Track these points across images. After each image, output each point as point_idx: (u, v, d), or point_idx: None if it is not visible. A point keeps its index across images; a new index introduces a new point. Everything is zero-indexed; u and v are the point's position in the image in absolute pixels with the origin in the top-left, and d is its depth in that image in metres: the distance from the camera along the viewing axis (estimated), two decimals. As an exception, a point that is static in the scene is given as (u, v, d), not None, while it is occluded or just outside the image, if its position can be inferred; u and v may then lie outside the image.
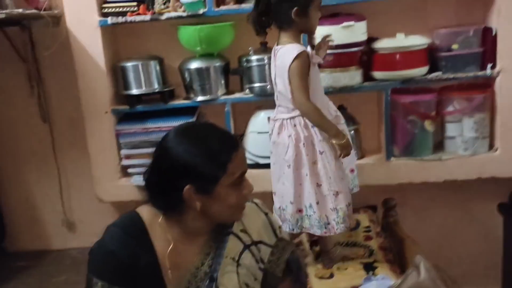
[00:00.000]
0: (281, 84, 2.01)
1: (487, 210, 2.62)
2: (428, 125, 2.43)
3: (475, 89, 2.43)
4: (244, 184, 1.36)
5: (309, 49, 2.01)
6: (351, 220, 2.08)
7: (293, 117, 2.03)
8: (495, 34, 2.32)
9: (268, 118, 2.18)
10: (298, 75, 1.93)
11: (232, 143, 1.33)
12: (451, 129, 2.48)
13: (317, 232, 2.06)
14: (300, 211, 2.07)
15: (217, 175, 1.29)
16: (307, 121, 2.00)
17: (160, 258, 1.36)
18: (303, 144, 2.00)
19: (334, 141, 1.97)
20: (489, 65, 2.34)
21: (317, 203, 2.02)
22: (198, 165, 1.29)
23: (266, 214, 1.50)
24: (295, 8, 1.93)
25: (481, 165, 2.43)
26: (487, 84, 2.44)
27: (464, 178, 2.46)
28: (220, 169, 1.29)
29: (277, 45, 2.04)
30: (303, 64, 1.93)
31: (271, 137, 2.12)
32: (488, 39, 2.35)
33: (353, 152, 2.10)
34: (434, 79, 2.38)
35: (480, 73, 2.37)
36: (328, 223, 2.04)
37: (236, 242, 1.41)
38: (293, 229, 2.09)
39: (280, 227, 1.52)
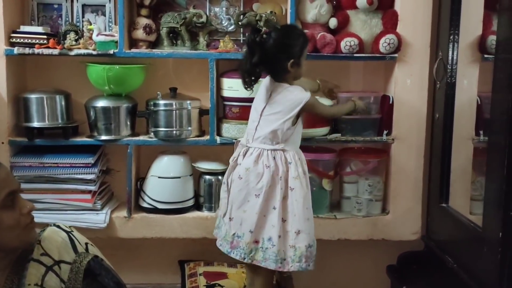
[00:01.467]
0: (279, 117, 2.07)
1: (377, 272, 2.68)
2: (326, 184, 2.50)
3: (372, 153, 2.54)
4: (21, 204, 1.30)
5: None
6: (309, 261, 2.07)
7: (274, 150, 2.08)
8: (392, 103, 2.46)
9: (236, 141, 2.25)
10: (316, 103, 2.19)
11: None
12: (347, 190, 2.56)
13: (271, 266, 2.06)
14: (256, 242, 2.07)
15: None
16: (286, 155, 2.08)
17: None
18: (280, 177, 2.05)
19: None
20: (385, 132, 2.47)
21: (279, 237, 2.04)
22: None
23: (68, 232, 1.44)
24: (291, 61, 2.06)
25: (373, 226, 2.52)
26: (383, 150, 2.56)
27: (356, 238, 2.53)
28: None
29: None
30: (314, 97, 2.18)
31: (240, 163, 2.12)
32: (386, 106, 2.48)
33: None
34: (333, 140, 2.47)
35: (377, 138, 2.48)
36: (284, 259, 2.05)
37: (37, 267, 1.34)
38: (244, 258, 2.08)
39: (87, 243, 1.46)
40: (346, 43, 2.35)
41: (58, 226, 1.45)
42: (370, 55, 2.42)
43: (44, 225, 1.45)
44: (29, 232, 1.34)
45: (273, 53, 2.06)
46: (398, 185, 2.50)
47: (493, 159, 1.83)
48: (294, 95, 2.08)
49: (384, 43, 2.36)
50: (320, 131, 2.47)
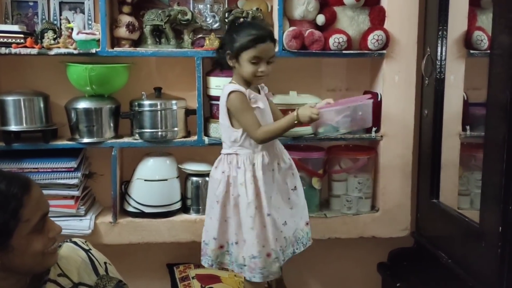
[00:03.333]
0: (221, 119, 2.05)
1: (367, 269, 2.67)
2: (315, 183, 2.47)
3: (360, 151, 2.53)
4: (49, 227, 1.22)
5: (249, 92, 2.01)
6: (254, 272, 2.00)
7: (229, 154, 2.03)
8: (380, 100, 2.45)
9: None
10: (239, 111, 1.97)
11: (22, 185, 1.17)
12: (336, 188, 2.54)
13: (235, 269, 2.04)
14: (221, 247, 2.05)
15: (9, 226, 1.13)
16: (238, 160, 2.01)
17: None
18: (231, 183, 2.00)
19: (302, 122, 1.98)
20: (374, 129, 2.45)
21: (236, 243, 2.02)
22: None
23: (87, 251, 1.39)
24: (228, 52, 2.00)
25: (363, 224, 2.51)
26: (371, 147, 2.55)
27: (346, 237, 2.51)
28: (11, 218, 1.13)
29: None
30: (240, 99, 1.97)
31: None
32: (374, 103, 2.46)
33: (305, 204, 2.14)
34: (322, 138, 2.44)
35: (366, 135, 2.47)
36: (244, 265, 2.02)
37: None
38: (212, 265, 2.06)
39: (106, 263, 1.41)
40: (335, 40, 2.33)
41: (75, 243, 1.38)
42: (358, 51, 2.40)
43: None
44: (52, 257, 1.26)
45: (220, 42, 2.10)
46: (387, 182, 2.50)
47: (490, 153, 1.84)
48: (223, 94, 2.01)
49: (373, 40, 2.34)
50: (309, 129, 2.42)
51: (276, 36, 2.36)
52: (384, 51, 2.40)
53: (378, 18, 2.40)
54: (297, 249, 2.11)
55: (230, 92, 1.97)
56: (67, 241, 1.35)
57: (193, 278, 2.41)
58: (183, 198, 2.50)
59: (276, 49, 2.31)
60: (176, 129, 2.39)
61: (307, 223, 2.15)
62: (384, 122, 2.46)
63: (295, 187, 2.11)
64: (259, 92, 2.08)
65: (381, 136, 2.47)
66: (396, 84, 2.44)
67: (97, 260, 1.39)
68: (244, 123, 1.98)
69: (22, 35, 2.29)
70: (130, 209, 2.42)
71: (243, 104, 1.97)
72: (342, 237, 2.51)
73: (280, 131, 2.00)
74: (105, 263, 1.41)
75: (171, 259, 2.61)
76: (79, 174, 2.33)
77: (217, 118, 2.37)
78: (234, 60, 2.01)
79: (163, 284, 2.54)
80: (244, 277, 2.06)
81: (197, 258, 2.43)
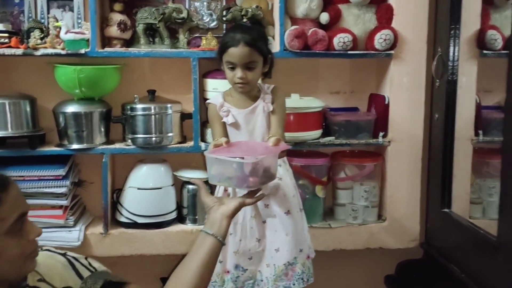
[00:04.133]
0: None
1: (374, 282, 2.53)
2: (319, 191, 2.34)
3: (366, 157, 2.39)
4: (28, 229, 1.13)
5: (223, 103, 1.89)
6: (214, 285, 1.90)
7: None
8: (388, 103, 2.31)
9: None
10: (210, 122, 1.95)
11: (1, 182, 1.09)
12: (341, 196, 2.41)
13: None
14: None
15: None
16: None
17: None
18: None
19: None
20: (381, 134, 2.32)
21: None
22: None
23: (63, 254, 1.30)
24: (217, 56, 1.88)
25: (370, 235, 2.37)
26: (378, 153, 2.42)
27: (352, 248, 2.38)
28: None
29: None
30: (209, 111, 1.93)
31: None
32: (381, 107, 2.34)
33: (304, 232, 1.97)
34: (326, 144, 2.30)
35: (373, 141, 2.33)
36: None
37: None
38: None
39: (86, 258, 1.34)
40: (340, 40, 2.19)
41: (49, 250, 1.29)
42: (365, 52, 2.26)
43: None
44: (31, 262, 1.16)
45: None
46: (395, 190, 2.36)
47: (509, 160, 1.70)
48: None
49: (380, 39, 2.21)
50: (312, 134, 2.30)
51: (277, 35, 2.25)
52: (392, 51, 2.26)
53: (385, 16, 2.26)
54: (294, 284, 1.90)
55: (207, 103, 1.93)
56: (40, 250, 1.23)
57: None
58: (179, 207, 2.36)
59: (278, 49, 2.21)
60: (171, 134, 2.25)
61: (308, 256, 1.96)
62: (391, 126, 2.33)
63: (288, 211, 1.90)
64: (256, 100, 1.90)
65: (389, 142, 2.33)
66: (405, 86, 2.30)
67: (77, 260, 1.30)
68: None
69: (6, 34, 2.16)
70: (122, 219, 2.28)
71: (210, 117, 1.92)
72: (348, 248, 2.37)
73: None
74: (86, 258, 1.33)
75: (166, 272, 2.46)
76: (67, 183, 2.19)
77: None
78: (222, 65, 1.87)
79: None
80: None
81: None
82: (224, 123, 1.88)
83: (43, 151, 2.22)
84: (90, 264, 1.33)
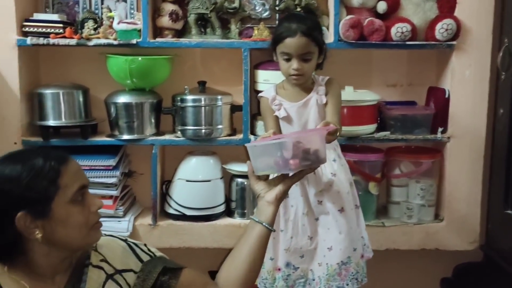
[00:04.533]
0: None
1: (429, 285, 2.43)
2: (372, 188, 2.25)
3: (423, 153, 2.28)
4: (89, 200, 1.22)
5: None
6: (265, 282, 1.86)
7: None
8: (448, 96, 2.19)
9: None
10: (262, 116, 1.90)
11: (59, 157, 1.19)
12: (396, 194, 2.30)
13: None
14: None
15: (49, 193, 1.15)
16: None
17: None
18: None
19: None
20: (440, 129, 2.20)
21: None
22: (24, 186, 1.13)
23: (125, 240, 1.37)
24: (271, 46, 1.83)
25: (426, 235, 2.26)
26: (436, 149, 2.30)
27: (407, 248, 2.27)
28: (50, 185, 1.15)
29: None
30: (262, 105, 1.88)
31: None
32: (441, 101, 2.21)
33: (358, 231, 1.90)
34: (381, 139, 2.20)
35: (430, 136, 2.22)
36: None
37: (98, 273, 1.27)
38: None
39: (145, 244, 1.39)
40: (398, 30, 2.09)
41: (112, 236, 1.36)
42: (424, 42, 2.15)
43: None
44: (95, 233, 1.24)
45: None
46: (454, 188, 2.24)
47: None
48: None
49: (441, 29, 2.09)
50: (366, 128, 2.21)
51: (331, 25, 2.17)
52: (454, 42, 2.14)
53: (447, 5, 2.14)
54: (347, 284, 1.84)
55: (259, 96, 1.89)
56: (103, 236, 1.31)
57: None
58: (227, 200, 2.33)
59: (332, 40, 2.13)
60: (220, 126, 2.22)
61: (362, 256, 1.89)
62: (451, 122, 2.21)
63: (342, 208, 1.84)
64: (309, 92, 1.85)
65: (448, 138, 2.21)
66: (467, 80, 2.17)
67: (137, 246, 1.36)
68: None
69: (61, 25, 2.17)
70: (171, 211, 2.27)
71: (263, 110, 1.87)
72: (402, 248, 2.27)
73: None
74: (144, 244, 1.38)
75: (214, 265, 2.44)
76: (118, 173, 2.20)
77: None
78: (275, 56, 1.82)
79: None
80: None
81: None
82: (276, 117, 1.82)
83: (94, 141, 2.23)
84: (149, 250, 1.38)
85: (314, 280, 1.86)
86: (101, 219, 1.39)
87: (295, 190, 1.81)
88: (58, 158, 1.18)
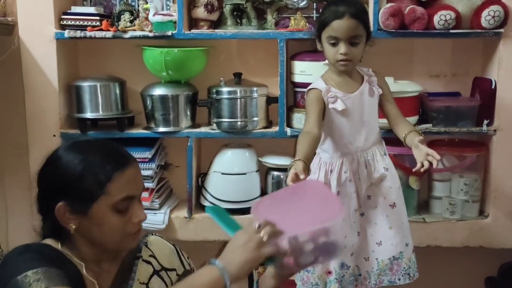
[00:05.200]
0: None
1: (472, 284, 2.34)
2: (413, 182, 2.17)
3: (467, 147, 2.18)
4: (134, 211, 1.19)
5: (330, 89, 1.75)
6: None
7: (316, 153, 1.83)
8: (495, 87, 2.08)
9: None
10: (306, 108, 1.79)
11: (119, 162, 1.17)
12: (438, 189, 2.22)
13: None
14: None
15: (92, 194, 1.14)
16: (317, 164, 1.81)
17: (83, 274, 1.20)
18: None
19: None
20: (486, 122, 2.10)
21: None
22: (74, 179, 1.14)
23: (173, 244, 1.39)
24: (315, 34, 1.77)
25: (469, 232, 2.17)
26: (481, 142, 2.20)
27: (449, 245, 2.19)
28: (97, 188, 1.14)
29: None
30: (311, 97, 1.77)
31: None
32: (487, 91, 2.11)
33: (408, 226, 1.85)
34: (423, 132, 2.12)
35: (475, 129, 2.12)
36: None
37: (146, 267, 1.29)
38: None
39: (188, 257, 1.40)
40: (441, 17, 2.00)
41: (161, 237, 1.38)
42: (469, 30, 2.05)
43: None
44: (131, 241, 1.23)
45: None
46: (500, 183, 2.14)
47: None
48: None
49: (488, 16, 1.99)
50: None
51: (371, 13, 2.09)
52: (501, 30, 2.04)
53: (494, -10, 2.03)
54: (399, 279, 1.81)
55: (309, 89, 1.79)
56: (152, 234, 1.36)
57: (270, 284, 2.20)
58: (263, 194, 2.29)
59: (371, 29, 2.05)
60: (256, 118, 2.19)
61: (413, 251, 1.84)
62: (498, 113, 2.11)
63: (394, 203, 1.79)
64: (362, 81, 1.78)
65: (494, 130, 2.11)
66: (515, 69, 2.06)
67: (182, 255, 1.38)
68: (306, 117, 1.78)
69: (98, 18, 2.18)
70: (207, 203, 2.25)
71: (310, 102, 1.76)
72: (444, 245, 2.19)
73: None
74: (187, 257, 1.39)
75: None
76: (154, 165, 2.20)
77: (302, 107, 2.15)
78: (319, 43, 1.75)
79: (241, 285, 2.34)
80: None
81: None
82: (321, 113, 1.74)
83: (131, 133, 2.24)
84: (190, 264, 1.39)
85: (361, 275, 1.82)
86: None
87: (348, 186, 1.76)
88: (118, 162, 1.16)
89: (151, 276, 1.28)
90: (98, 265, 1.24)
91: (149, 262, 1.29)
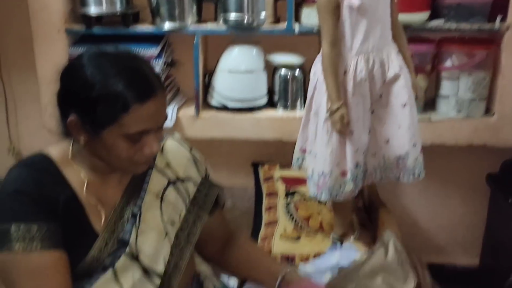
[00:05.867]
0: None
1: (475, 180, 2.39)
2: (421, 80, 2.15)
3: (477, 44, 2.14)
4: (146, 142, 1.12)
5: None
6: (320, 190, 1.82)
7: None
8: (509, -22, 2.01)
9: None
10: (319, 13, 1.71)
11: (143, 92, 1.08)
12: (445, 87, 2.20)
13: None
14: (303, 150, 1.91)
15: (105, 121, 1.09)
16: None
17: (79, 196, 1.17)
18: (316, 88, 1.81)
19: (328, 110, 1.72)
20: (499, 17, 2.04)
21: (310, 152, 1.87)
22: (89, 97, 1.08)
23: (189, 151, 1.35)
24: None
25: (474, 130, 2.18)
26: (492, 40, 2.15)
27: (453, 143, 2.21)
28: (111, 115, 1.08)
29: None
30: (323, 3, 1.69)
31: None
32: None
33: (417, 126, 1.85)
34: (434, 28, 2.08)
35: (487, 25, 2.07)
36: (311, 179, 1.86)
37: (160, 178, 1.26)
38: (293, 164, 1.94)
39: (206, 168, 1.38)
40: None
41: (177, 142, 1.34)
42: None
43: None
44: (136, 167, 1.18)
45: None
46: (508, 82, 2.12)
47: None
48: None
49: None
50: (418, 17, 2.08)
51: None
52: None
53: None
54: (404, 177, 1.84)
55: None
56: (169, 138, 1.32)
57: (277, 180, 2.26)
58: (270, 92, 2.30)
59: None
60: (263, 14, 2.14)
61: (421, 151, 1.85)
62: (512, 9, 2.04)
63: (405, 103, 1.78)
64: None
65: (507, 27, 2.06)
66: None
67: (199, 161, 1.35)
68: (321, 25, 1.71)
69: None
70: (214, 102, 2.26)
71: (324, 6, 1.68)
72: (448, 143, 2.21)
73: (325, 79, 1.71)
74: (205, 161, 1.38)
75: (256, 156, 2.47)
76: (160, 62, 2.18)
77: (311, 1, 2.09)
78: None
79: (247, 182, 2.42)
80: None
81: (282, 157, 2.28)
82: (337, 18, 1.68)
83: (136, 30, 2.20)
84: (207, 169, 1.37)
85: (367, 171, 1.85)
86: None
87: (363, 86, 1.75)
88: (140, 92, 1.07)
89: (166, 187, 1.26)
90: (106, 180, 1.20)
91: (164, 173, 1.26)
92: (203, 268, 1.46)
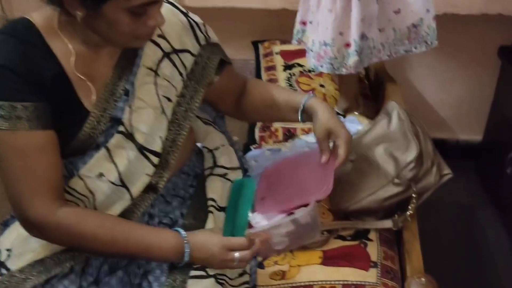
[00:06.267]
0: None
1: (486, 52, 2.30)
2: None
3: None
4: (151, 14, 1.05)
5: None
6: (322, 61, 1.73)
7: None
8: None
9: None
10: None
11: None
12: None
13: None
14: (303, 23, 1.82)
15: None
16: None
17: (67, 70, 1.10)
18: None
19: None
20: None
21: (311, 22, 1.77)
22: None
23: (186, 14, 1.24)
24: None
25: (488, -1, 2.06)
26: None
27: (467, 13, 2.10)
28: None
29: None
30: None
31: None
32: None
33: None
34: None
35: None
36: (311, 50, 1.77)
37: (154, 50, 1.18)
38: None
39: (204, 24, 1.27)
40: None
41: (173, 4, 1.23)
42: None
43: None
44: (138, 42, 1.12)
45: None
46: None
47: None
48: None
49: None
50: None
51: None
52: None
53: None
54: (416, 47, 1.75)
55: None
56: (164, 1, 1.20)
57: (276, 53, 2.21)
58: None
59: None
60: None
61: (434, 18, 1.74)
62: None
63: None
64: None
65: None
66: None
67: (197, 25, 1.25)
68: None
69: None
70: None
71: None
72: (461, 13, 2.10)
73: None
74: (204, 24, 1.27)
75: (257, 33, 2.38)
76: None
77: None
78: None
79: (247, 56, 2.35)
80: None
81: (285, 31, 2.18)
82: None
83: None
84: (206, 32, 1.28)
85: (375, 47, 1.74)
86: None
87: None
88: None
89: (161, 60, 1.18)
90: (95, 54, 1.13)
91: (157, 44, 1.18)
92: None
